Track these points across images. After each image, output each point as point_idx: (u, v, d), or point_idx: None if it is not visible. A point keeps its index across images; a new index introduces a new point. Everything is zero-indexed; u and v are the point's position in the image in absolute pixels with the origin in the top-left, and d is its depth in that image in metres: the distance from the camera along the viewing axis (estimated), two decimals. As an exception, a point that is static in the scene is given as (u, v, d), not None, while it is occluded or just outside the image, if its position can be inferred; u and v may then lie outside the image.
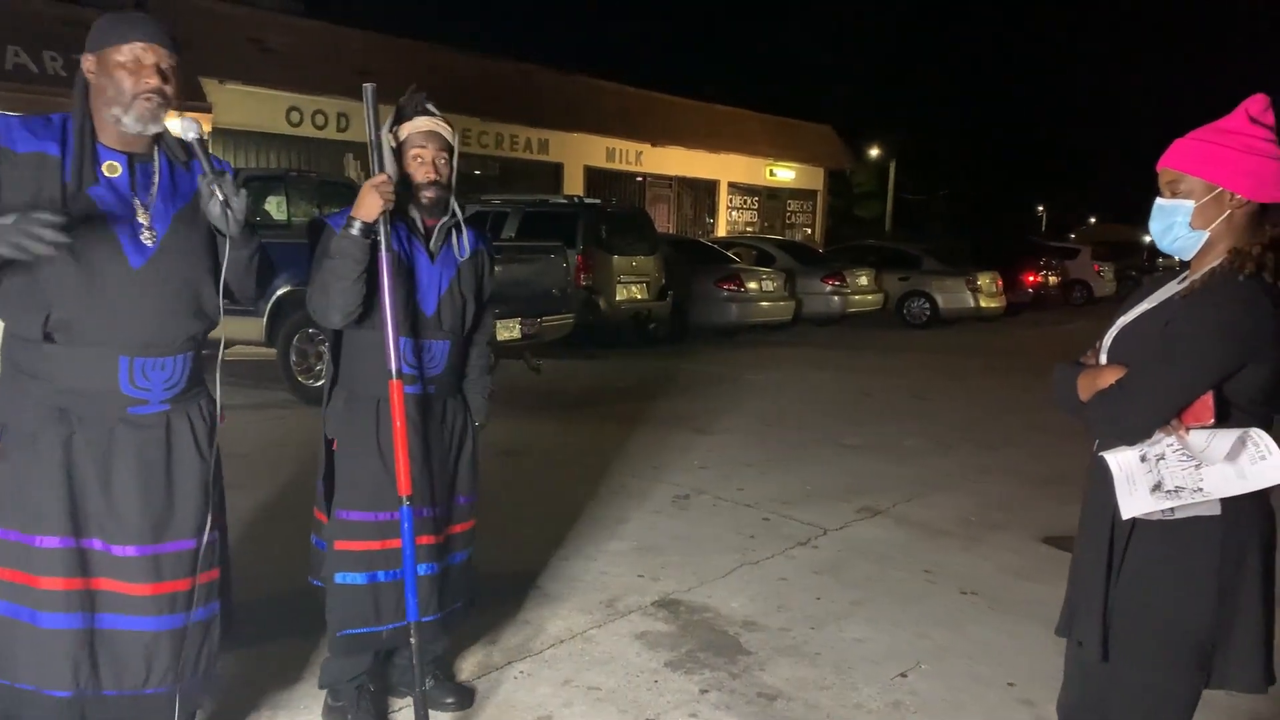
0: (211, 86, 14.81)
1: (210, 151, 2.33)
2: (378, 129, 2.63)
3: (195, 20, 14.79)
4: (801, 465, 6.39)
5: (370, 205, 2.55)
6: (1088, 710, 2.14)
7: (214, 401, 2.46)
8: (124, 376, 2.23)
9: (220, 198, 2.21)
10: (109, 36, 2.21)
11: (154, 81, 2.21)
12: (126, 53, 2.20)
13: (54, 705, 2.23)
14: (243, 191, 2.24)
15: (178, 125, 2.23)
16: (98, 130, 2.24)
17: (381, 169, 2.61)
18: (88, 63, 2.24)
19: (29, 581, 2.20)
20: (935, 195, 40.57)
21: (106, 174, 2.22)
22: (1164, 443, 1.91)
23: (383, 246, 2.58)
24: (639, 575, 4.27)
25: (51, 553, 2.20)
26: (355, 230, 2.56)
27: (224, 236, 2.30)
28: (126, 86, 2.19)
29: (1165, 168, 2.01)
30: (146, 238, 2.23)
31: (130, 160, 2.25)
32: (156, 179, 2.27)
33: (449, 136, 2.78)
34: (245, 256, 2.36)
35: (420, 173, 2.73)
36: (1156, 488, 1.91)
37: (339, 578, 2.76)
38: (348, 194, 10.18)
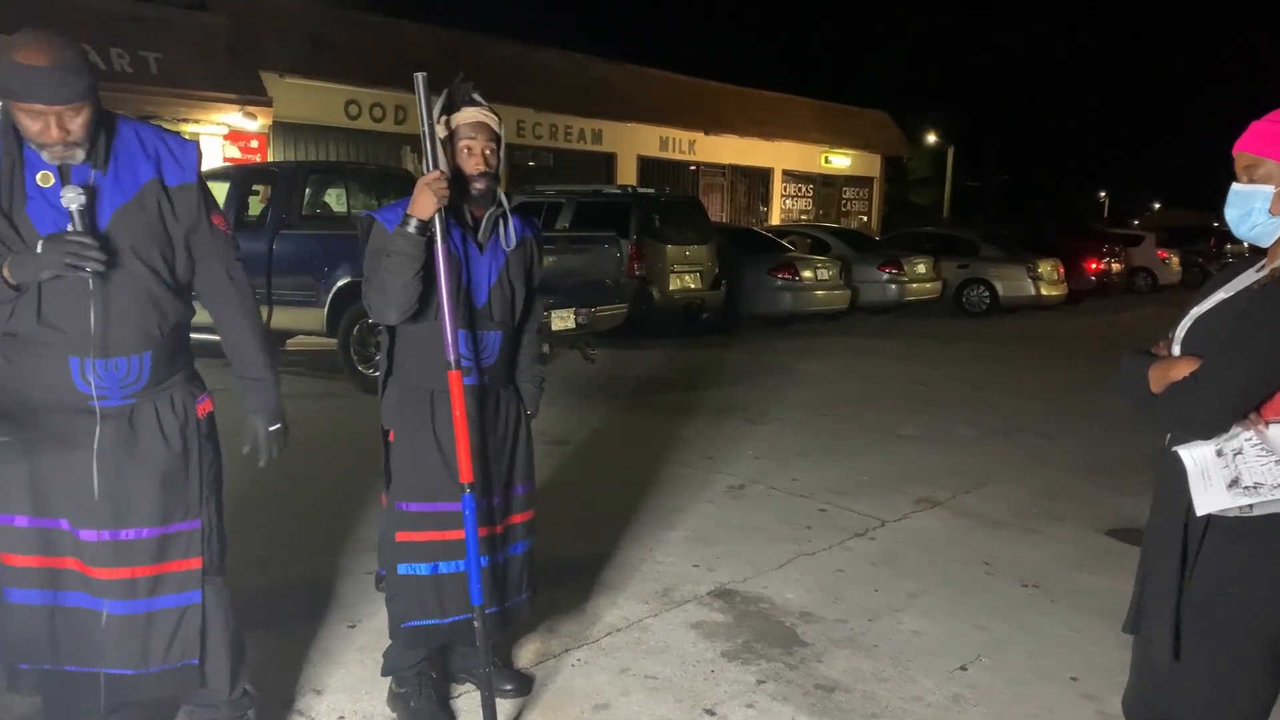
0: (271, 80, 15.08)
1: (84, 221, 2.18)
2: (430, 121, 2.60)
3: (256, 15, 15.10)
4: (856, 455, 6.34)
5: (425, 203, 2.56)
6: (1156, 708, 2.09)
7: (193, 393, 2.46)
8: (76, 376, 2.26)
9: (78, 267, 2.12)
10: (7, 88, 2.11)
11: (55, 135, 2.14)
12: (24, 109, 2.12)
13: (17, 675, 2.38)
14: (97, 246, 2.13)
15: (66, 194, 2.13)
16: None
17: (435, 164, 2.61)
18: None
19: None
20: (992, 181, 39.90)
21: (40, 184, 2.20)
22: (1242, 437, 1.86)
23: (438, 240, 2.59)
24: (694, 565, 4.28)
25: (22, 531, 2.30)
26: (411, 228, 2.57)
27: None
28: (33, 133, 2.15)
29: (1242, 151, 1.95)
30: None
31: (61, 170, 2.21)
32: (92, 180, 2.22)
33: (496, 126, 2.77)
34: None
35: (470, 164, 2.73)
36: (1233, 483, 1.85)
37: (403, 569, 2.79)
38: (406, 185, 10.23)
